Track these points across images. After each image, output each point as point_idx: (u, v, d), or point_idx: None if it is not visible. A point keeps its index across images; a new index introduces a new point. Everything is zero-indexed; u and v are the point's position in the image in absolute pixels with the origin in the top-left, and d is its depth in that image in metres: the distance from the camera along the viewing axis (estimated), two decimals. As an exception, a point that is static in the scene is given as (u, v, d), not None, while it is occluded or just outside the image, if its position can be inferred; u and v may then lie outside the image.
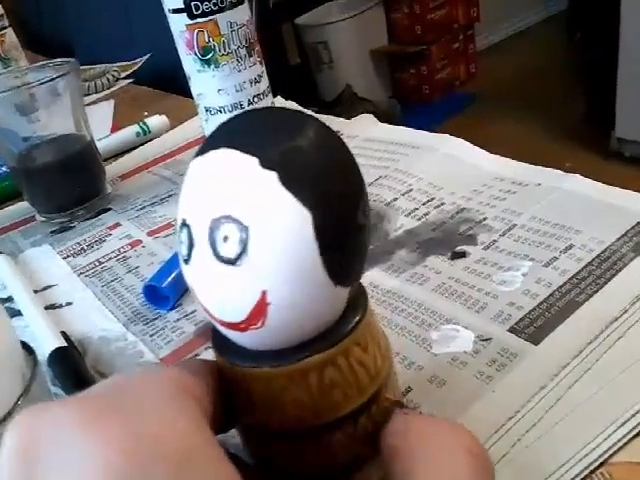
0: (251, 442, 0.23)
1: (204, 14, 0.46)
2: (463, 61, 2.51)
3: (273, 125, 0.20)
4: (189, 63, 0.49)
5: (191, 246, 0.19)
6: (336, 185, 0.19)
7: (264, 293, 0.18)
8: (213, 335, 0.22)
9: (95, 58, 0.97)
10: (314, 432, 0.21)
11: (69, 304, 0.40)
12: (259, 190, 0.18)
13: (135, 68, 0.93)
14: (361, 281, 0.22)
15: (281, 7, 2.28)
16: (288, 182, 0.18)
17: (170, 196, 0.52)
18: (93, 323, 0.38)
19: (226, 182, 0.19)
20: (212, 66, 0.48)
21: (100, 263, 0.44)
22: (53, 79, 0.48)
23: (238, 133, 0.20)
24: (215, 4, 0.46)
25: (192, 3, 0.46)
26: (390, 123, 0.55)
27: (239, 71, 0.48)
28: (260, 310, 0.19)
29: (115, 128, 0.72)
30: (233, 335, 0.20)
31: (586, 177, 0.40)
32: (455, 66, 2.48)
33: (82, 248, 0.47)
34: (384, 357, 0.23)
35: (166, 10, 0.48)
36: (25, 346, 0.21)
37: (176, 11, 0.47)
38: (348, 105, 2.26)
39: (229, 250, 0.18)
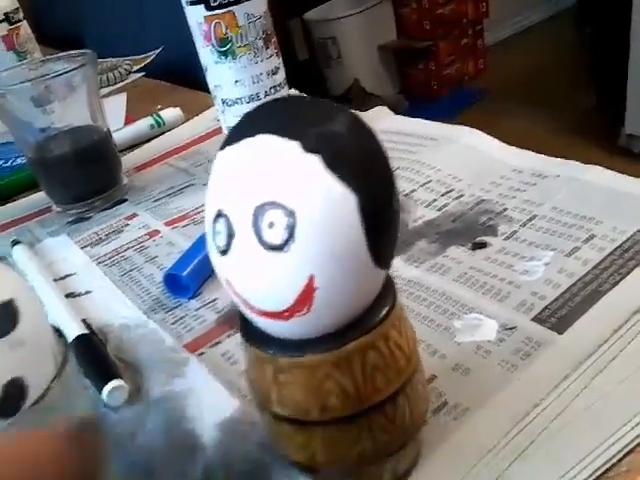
0: (287, 433, 0.22)
1: (221, 5, 0.46)
2: (472, 57, 2.50)
3: (307, 111, 0.20)
4: (206, 55, 0.49)
5: (230, 236, 0.19)
6: (376, 168, 0.20)
7: (311, 278, 0.18)
8: (244, 328, 0.22)
9: (106, 52, 0.97)
10: (357, 417, 0.21)
11: (88, 292, 0.40)
12: (304, 174, 0.18)
13: (147, 62, 0.93)
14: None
15: (289, 2, 2.27)
16: (332, 165, 0.18)
17: (186, 187, 0.52)
18: (113, 311, 0.38)
19: (268, 168, 0.19)
20: (229, 58, 0.48)
21: (118, 253, 0.45)
22: (70, 71, 0.49)
23: (273, 119, 0.20)
24: (233, -5, 0.46)
25: (210, -6, 0.46)
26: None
27: (256, 63, 0.48)
28: (307, 296, 0.19)
29: (129, 121, 0.72)
30: (273, 325, 0.20)
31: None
32: (464, 62, 2.47)
33: (100, 238, 0.47)
34: (415, 340, 0.23)
35: (183, 2, 0.48)
36: (56, 330, 0.21)
37: (193, 3, 0.47)
38: (356, 100, 2.25)
39: (275, 236, 0.18)
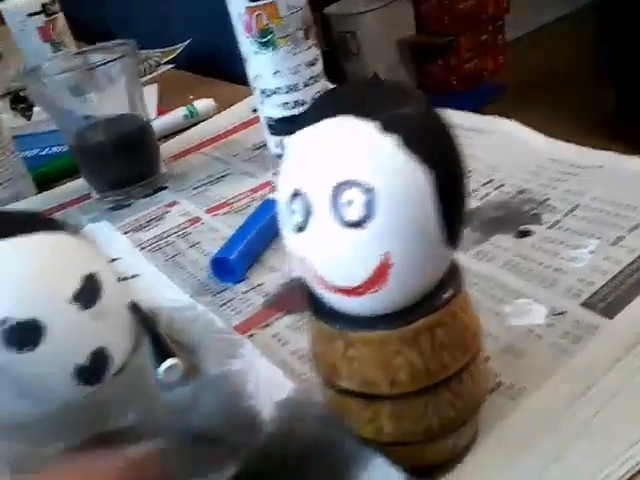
0: (353, 408, 0.23)
1: (264, -4, 0.47)
2: (492, 52, 2.49)
3: (383, 93, 0.21)
4: (247, 45, 0.49)
5: (308, 214, 0.20)
6: (449, 148, 0.20)
7: (387, 255, 0.19)
8: (313, 305, 0.23)
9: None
10: (424, 392, 0.22)
11: (135, 276, 0.41)
12: (382, 153, 0.19)
13: (175, 54, 0.94)
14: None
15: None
16: (409, 145, 0.19)
17: (224, 176, 0.53)
18: (161, 294, 0.39)
19: (347, 147, 0.19)
20: (270, 48, 0.48)
21: (161, 238, 0.45)
22: (113, 60, 0.49)
23: (350, 101, 0.20)
24: (275, -14, 0.47)
25: (252, -14, 0.47)
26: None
27: (295, 54, 0.49)
28: (382, 272, 0.19)
29: (160, 112, 0.73)
30: (346, 301, 0.21)
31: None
32: (483, 57, 2.46)
33: (141, 225, 0.48)
34: (478, 319, 0.24)
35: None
36: (132, 306, 0.22)
37: (237, -7, 0.48)
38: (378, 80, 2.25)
39: (354, 213, 0.19)
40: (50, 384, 0.17)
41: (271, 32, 0.48)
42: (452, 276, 0.22)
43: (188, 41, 0.95)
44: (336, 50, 2.46)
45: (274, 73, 0.49)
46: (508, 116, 0.51)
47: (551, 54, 2.51)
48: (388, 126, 0.19)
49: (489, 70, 2.49)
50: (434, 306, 0.21)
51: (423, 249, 0.20)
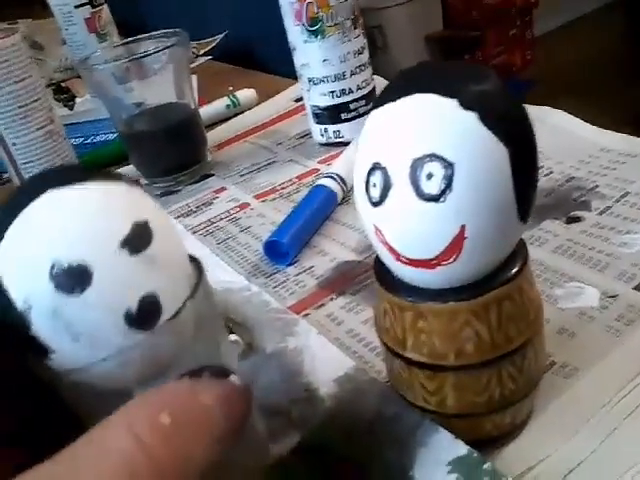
0: (418, 379, 0.24)
1: (314, -14, 0.48)
2: (520, 47, 2.47)
3: (460, 72, 0.22)
4: (296, 34, 0.50)
5: (387, 187, 0.21)
6: (526, 124, 0.21)
7: (463, 227, 0.20)
8: (382, 277, 0.24)
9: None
10: (489, 364, 0.23)
11: (189, 258, 0.42)
12: (462, 129, 0.20)
13: (212, 45, 0.95)
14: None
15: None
16: (487, 121, 0.20)
17: (270, 164, 0.54)
18: (215, 276, 0.40)
19: (428, 123, 0.20)
20: (319, 37, 0.49)
21: (212, 223, 0.47)
22: (164, 49, 0.51)
23: (429, 79, 0.21)
24: (325, -24, 0.47)
25: (302, -25, 0.47)
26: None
27: (343, 42, 0.50)
28: (457, 244, 0.20)
29: (201, 102, 0.74)
30: (418, 273, 0.21)
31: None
32: (511, 52, 2.44)
33: (191, 209, 0.49)
34: (540, 295, 0.24)
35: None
36: (192, 260, 0.22)
37: (287, -17, 0.49)
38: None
39: (433, 187, 0.20)
40: (101, 328, 0.17)
41: (320, 20, 0.49)
42: (520, 251, 0.23)
43: (225, 33, 0.97)
44: (364, 44, 2.46)
45: (322, 61, 0.50)
46: None
47: (580, 49, 2.48)
48: (467, 103, 0.20)
49: (517, 65, 2.47)
50: (503, 279, 0.22)
51: (497, 223, 0.20)
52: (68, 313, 0.17)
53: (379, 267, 0.24)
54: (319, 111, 0.53)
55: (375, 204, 0.21)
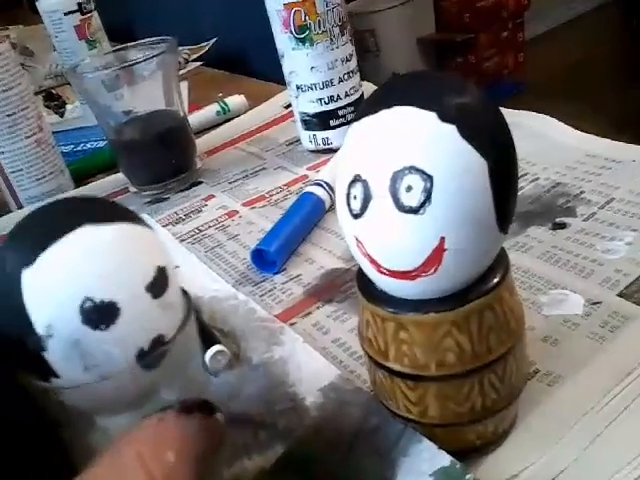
0: (401, 389, 0.24)
1: (302, -7, 0.48)
2: (512, 50, 2.48)
3: (440, 84, 0.22)
4: (284, 41, 0.50)
5: (367, 199, 0.21)
6: (504, 136, 0.21)
7: (442, 239, 0.20)
8: (364, 288, 0.24)
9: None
10: (470, 374, 0.23)
11: (176, 267, 0.42)
12: (441, 141, 0.20)
13: (203, 51, 0.95)
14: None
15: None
16: (466, 134, 0.20)
17: (259, 171, 0.54)
18: (202, 284, 0.40)
19: (407, 136, 0.20)
20: (307, 44, 0.49)
21: (200, 231, 0.47)
22: (153, 57, 0.51)
23: (409, 92, 0.21)
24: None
25: (290, -17, 0.48)
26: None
27: (332, 49, 0.50)
28: (437, 256, 0.20)
29: (191, 109, 0.74)
30: (399, 285, 0.22)
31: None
32: (503, 55, 2.46)
33: (180, 217, 0.49)
34: (522, 304, 0.24)
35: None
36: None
37: (276, -10, 0.49)
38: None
39: (412, 199, 0.20)
40: (113, 362, 0.18)
41: (308, 28, 0.49)
42: (500, 260, 0.23)
43: (216, 38, 0.97)
44: (355, 49, 2.46)
45: (311, 69, 0.51)
46: None
47: (573, 51, 2.50)
48: (446, 115, 0.20)
49: (509, 68, 2.48)
50: (484, 290, 0.22)
51: (477, 235, 0.21)
52: (88, 346, 0.18)
53: (361, 278, 0.24)
54: (308, 118, 0.53)
55: (356, 216, 0.21)
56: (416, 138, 0.20)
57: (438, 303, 0.22)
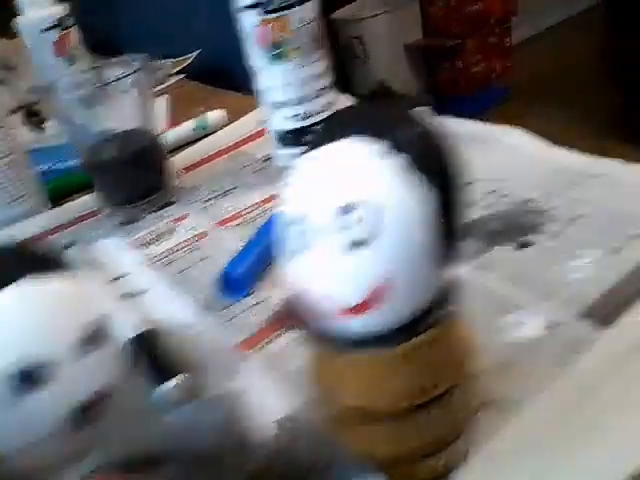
0: (350, 425, 0.24)
1: (276, 10, 0.48)
2: (499, 55, 2.49)
3: (387, 116, 0.22)
4: (258, 58, 0.50)
5: (313, 234, 0.21)
6: (452, 168, 0.21)
7: (388, 274, 0.20)
8: (310, 324, 0.23)
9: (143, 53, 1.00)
10: (419, 409, 0.23)
11: (143, 292, 0.42)
12: (386, 175, 0.20)
13: (186, 64, 0.95)
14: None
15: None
16: (412, 166, 0.20)
17: (234, 188, 0.54)
18: (168, 310, 0.40)
19: (353, 169, 0.20)
20: (281, 61, 0.49)
21: (171, 253, 0.46)
22: (125, 76, 0.51)
23: (355, 125, 0.21)
24: (286, 0, 0.48)
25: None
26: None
27: (306, 66, 0.50)
28: (382, 290, 0.20)
29: (172, 123, 0.74)
30: (345, 320, 0.21)
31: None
32: (491, 60, 2.46)
33: (152, 239, 0.49)
34: (471, 336, 0.24)
35: (237, 5, 0.49)
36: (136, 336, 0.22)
37: (249, 7, 0.48)
38: (382, 100, 2.26)
39: (358, 234, 0.20)
40: (50, 425, 0.18)
41: (283, 45, 0.49)
42: (448, 292, 0.23)
43: (198, 51, 0.97)
44: (343, 55, 2.47)
45: (285, 85, 0.50)
46: (516, 119, 0.52)
47: (558, 56, 2.51)
48: (391, 148, 0.20)
49: (497, 73, 2.49)
50: (430, 323, 0.22)
51: (423, 268, 0.21)
52: (21, 412, 0.17)
53: (307, 314, 0.24)
54: (282, 135, 0.53)
55: (301, 251, 0.21)
56: (360, 172, 0.20)
57: (384, 338, 0.22)
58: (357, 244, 0.20)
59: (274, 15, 0.47)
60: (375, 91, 2.41)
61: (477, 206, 0.42)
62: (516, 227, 0.39)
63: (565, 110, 2.11)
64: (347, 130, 0.21)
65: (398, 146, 0.20)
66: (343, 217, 0.20)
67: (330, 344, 0.23)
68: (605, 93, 2.12)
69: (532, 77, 2.42)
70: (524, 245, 0.37)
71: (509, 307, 0.33)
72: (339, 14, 2.45)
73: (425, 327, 0.22)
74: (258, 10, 0.47)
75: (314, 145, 0.21)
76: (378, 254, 0.20)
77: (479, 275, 0.36)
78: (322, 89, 0.51)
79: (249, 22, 0.49)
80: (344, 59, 2.48)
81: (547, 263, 0.35)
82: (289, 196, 0.22)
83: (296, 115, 0.51)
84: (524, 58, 2.54)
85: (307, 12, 0.49)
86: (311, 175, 0.21)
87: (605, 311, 0.31)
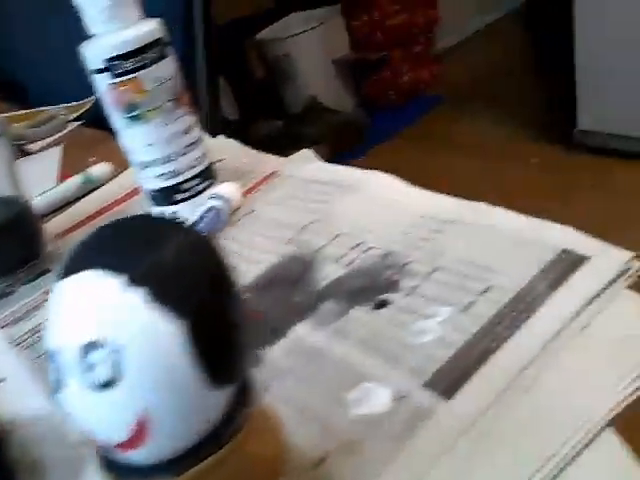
0: None
1: (126, 72, 0.46)
2: (425, 64, 2.53)
3: (135, 240, 0.20)
4: (116, 120, 0.49)
5: (62, 374, 0.19)
6: (205, 292, 0.20)
7: (143, 411, 0.19)
8: (98, 453, 0.22)
9: (48, 99, 0.97)
10: None
11: (2, 381, 0.40)
12: (128, 309, 0.18)
13: (84, 109, 0.93)
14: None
15: (241, 23, 2.28)
16: (156, 297, 0.19)
17: (109, 252, 0.52)
18: (25, 400, 0.38)
19: (93, 305, 0.19)
20: (139, 122, 0.48)
21: (34, 332, 0.44)
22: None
23: (100, 252, 0.20)
24: (137, 62, 0.46)
25: (113, 63, 0.46)
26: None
27: (167, 124, 0.49)
28: (141, 429, 0.19)
29: (64, 176, 0.71)
30: (117, 454, 0.20)
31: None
32: (418, 69, 2.50)
33: (20, 316, 0.47)
34: (281, 443, 0.23)
35: (89, 70, 0.48)
36: None
37: (99, 71, 0.47)
38: (312, 118, 2.26)
39: (102, 375, 0.18)
40: None
41: (139, 107, 0.47)
42: (239, 408, 0.22)
43: (95, 96, 0.94)
44: (274, 76, 2.47)
45: (147, 146, 0.49)
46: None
47: (482, 61, 2.57)
48: (134, 280, 0.19)
49: (425, 81, 2.52)
50: (217, 444, 0.21)
51: (184, 399, 0.19)
52: None
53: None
54: (153, 193, 0.51)
55: (56, 390, 0.20)
56: (101, 308, 0.19)
57: (164, 467, 0.20)
58: (102, 385, 0.18)
59: (124, 78, 0.46)
60: (308, 108, 2.41)
61: (338, 264, 0.41)
62: (375, 284, 0.38)
63: (492, 114, 2.16)
64: (89, 261, 0.19)
65: (139, 278, 0.19)
66: (86, 356, 0.19)
67: (112, 473, 0.21)
68: (529, 96, 2.19)
69: (459, 84, 2.46)
70: (381, 305, 0.36)
71: (358, 378, 0.32)
72: (264, 34, 2.45)
73: (214, 448, 0.21)
74: (108, 74, 0.46)
75: (62, 274, 0.20)
76: (128, 393, 0.19)
77: (333, 342, 0.35)
78: (188, 145, 0.50)
79: (102, 85, 0.47)
80: (274, 79, 2.48)
81: (397, 326, 0.35)
82: (48, 326, 0.21)
83: (163, 174, 0.50)
84: (451, 66, 2.59)
85: (162, 71, 0.47)
86: (58, 309, 0.20)
87: (447, 381, 0.30)
